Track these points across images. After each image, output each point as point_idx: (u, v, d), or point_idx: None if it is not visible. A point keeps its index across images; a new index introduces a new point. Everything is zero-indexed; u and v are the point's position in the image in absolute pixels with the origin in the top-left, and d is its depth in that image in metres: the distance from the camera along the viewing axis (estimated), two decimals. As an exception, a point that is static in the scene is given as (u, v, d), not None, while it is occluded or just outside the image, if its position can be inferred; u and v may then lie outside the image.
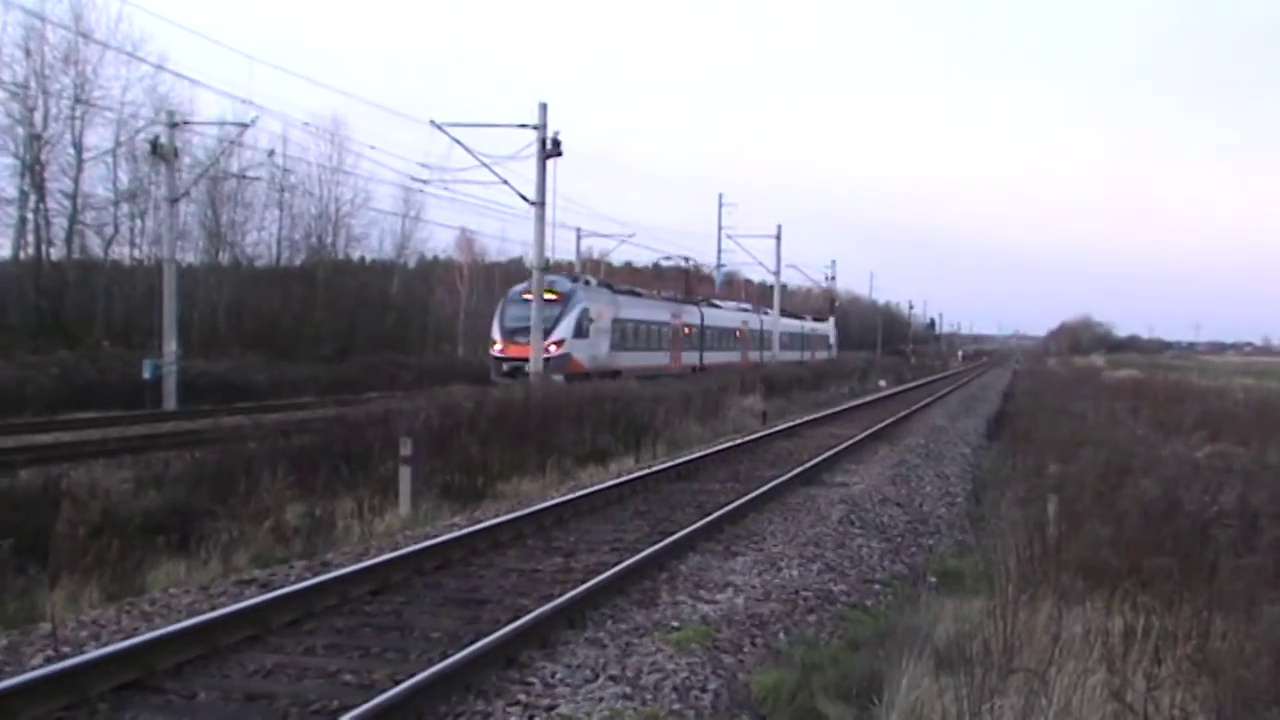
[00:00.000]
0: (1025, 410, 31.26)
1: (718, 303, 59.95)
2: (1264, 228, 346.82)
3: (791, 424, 28.75)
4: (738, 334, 58.19)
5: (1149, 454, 17.09)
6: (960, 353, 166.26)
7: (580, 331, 37.69)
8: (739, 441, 23.59)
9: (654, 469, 18.37)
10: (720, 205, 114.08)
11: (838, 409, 35.33)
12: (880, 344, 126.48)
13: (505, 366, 35.84)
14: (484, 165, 32.21)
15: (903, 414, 33.54)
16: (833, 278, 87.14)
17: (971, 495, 18.70)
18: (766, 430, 26.90)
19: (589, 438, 21.94)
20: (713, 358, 51.06)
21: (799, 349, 71.76)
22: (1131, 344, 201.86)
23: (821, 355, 78.32)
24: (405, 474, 15.03)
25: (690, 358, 48.33)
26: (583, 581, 10.14)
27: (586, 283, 40.71)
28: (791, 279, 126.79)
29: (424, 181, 34.23)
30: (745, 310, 63.53)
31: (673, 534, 12.66)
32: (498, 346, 37.28)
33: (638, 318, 43.31)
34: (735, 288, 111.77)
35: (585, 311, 38.00)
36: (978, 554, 11.71)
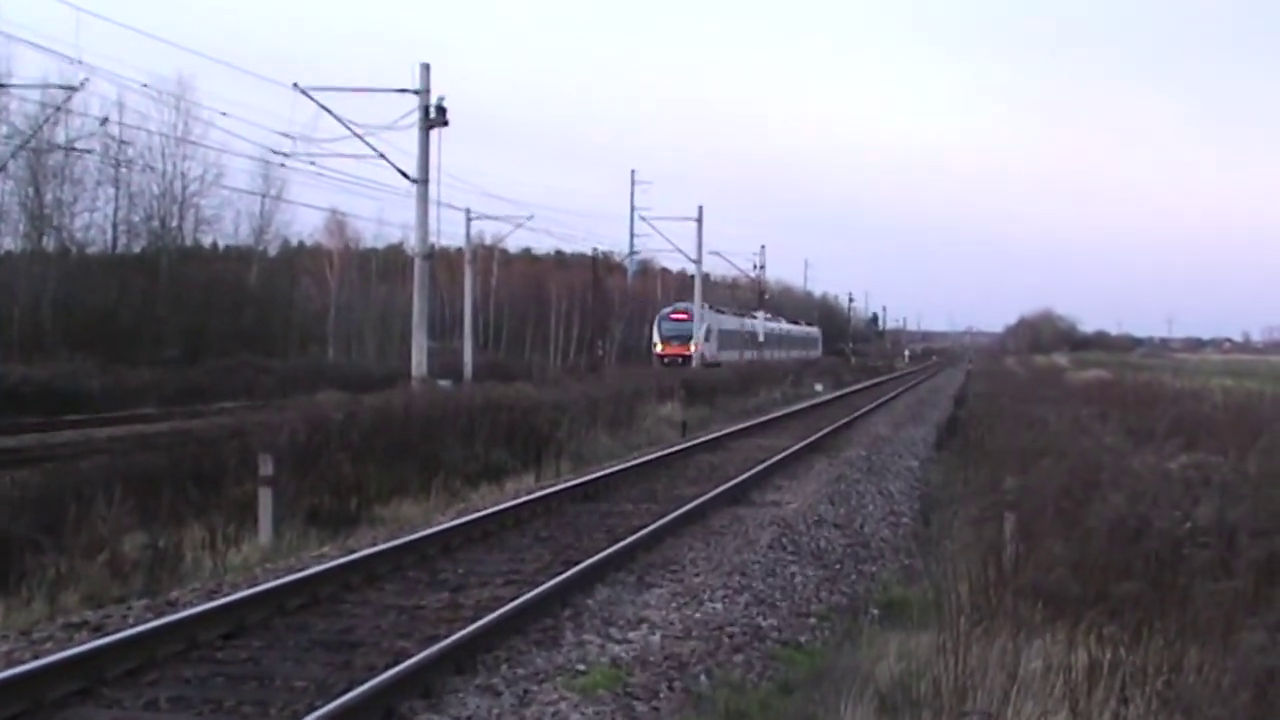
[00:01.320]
0: (979, 416, 31.64)
1: (756, 314, 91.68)
2: (1243, 213, 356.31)
3: (716, 435, 29.13)
4: (762, 337, 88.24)
5: (1117, 465, 17.21)
6: (907, 352, 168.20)
7: (706, 338, 68.84)
8: (655, 455, 23.83)
9: (557, 488, 18.54)
10: (633, 183, 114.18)
11: (768, 417, 35.81)
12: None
13: (665, 361, 65.14)
14: (357, 136, 32.04)
15: (842, 422, 34.06)
16: (761, 266, 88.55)
17: (919, 514, 19.07)
18: (687, 442, 27.21)
19: (481, 452, 21.99)
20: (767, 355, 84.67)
21: (801, 349, 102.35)
22: (1098, 341, 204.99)
23: (814, 355, 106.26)
24: (265, 496, 14.89)
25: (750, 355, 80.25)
26: (473, 620, 10.13)
27: (704, 307, 69.65)
28: (715, 267, 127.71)
29: (286, 155, 33.91)
30: (776, 320, 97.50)
31: (578, 563, 12.71)
32: (659, 348, 69.50)
33: (728, 328, 78.23)
34: (650, 279, 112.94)
35: (707, 327, 69.74)
36: (926, 581, 11.88)
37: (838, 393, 54.42)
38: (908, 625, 10.82)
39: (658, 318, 72.78)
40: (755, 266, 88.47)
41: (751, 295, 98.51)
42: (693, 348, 66.34)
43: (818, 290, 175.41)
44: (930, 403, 48.67)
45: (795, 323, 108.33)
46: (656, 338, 70.82)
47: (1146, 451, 20.75)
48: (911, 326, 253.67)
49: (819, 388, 56.40)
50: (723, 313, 79.21)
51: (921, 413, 42.03)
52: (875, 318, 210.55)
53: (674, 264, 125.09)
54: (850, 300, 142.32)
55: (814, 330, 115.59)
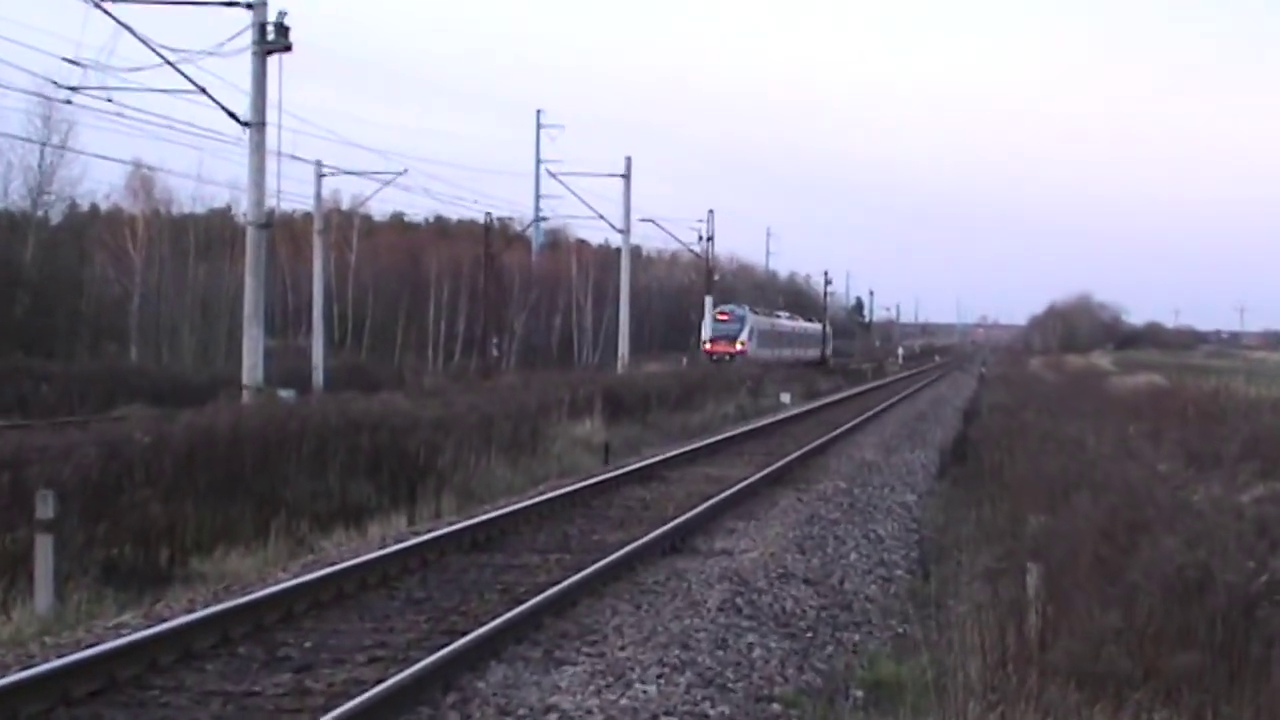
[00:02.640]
0: (995, 436, 31.42)
1: (780, 313, 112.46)
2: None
3: (649, 461, 29.05)
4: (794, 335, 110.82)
5: (1174, 500, 17.40)
6: (901, 350, 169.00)
7: (750, 337, 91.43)
8: (569, 489, 23.68)
9: (438, 533, 18.34)
10: (538, 128, 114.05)
11: (719, 438, 35.84)
12: None
13: (714, 358, 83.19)
14: (169, 64, 31.69)
15: (816, 443, 34.20)
16: (709, 238, 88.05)
17: (916, 566, 19.08)
18: (611, 471, 27.06)
19: (336, 487, 21.84)
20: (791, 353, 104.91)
21: (811, 347, 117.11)
22: (1151, 336, 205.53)
23: (814, 354, 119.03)
24: (44, 547, 14.69)
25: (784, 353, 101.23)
26: (325, 710, 10.04)
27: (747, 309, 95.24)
28: (649, 239, 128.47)
29: (74, 89, 33.48)
30: (794, 318, 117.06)
31: (466, 634, 12.62)
32: (707, 345, 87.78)
33: (764, 328, 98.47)
34: (562, 254, 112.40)
35: (752, 326, 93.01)
36: (924, 654, 11.91)
37: (810, 405, 54.74)
38: (900, 713, 10.84)
39: (707, 318, 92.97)
40: (701, 237, 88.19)
41: (697, 275, 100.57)
42: (738, 345, 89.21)
43: (784, 269, 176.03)
44: (932, 417, 48.89)
45: (809, 319, 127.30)
46: (706, 334, 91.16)
47: (1212, 482, 21.50)
48: (907, 317, 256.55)
49: (786, 399, 56.55)
50: (759, 313, 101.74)
51: (920, 431, 42.20)
52: (859, 305, 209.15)
53: (594, 234, 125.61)
54: (827, 283, 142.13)
55: (817, 327, 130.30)
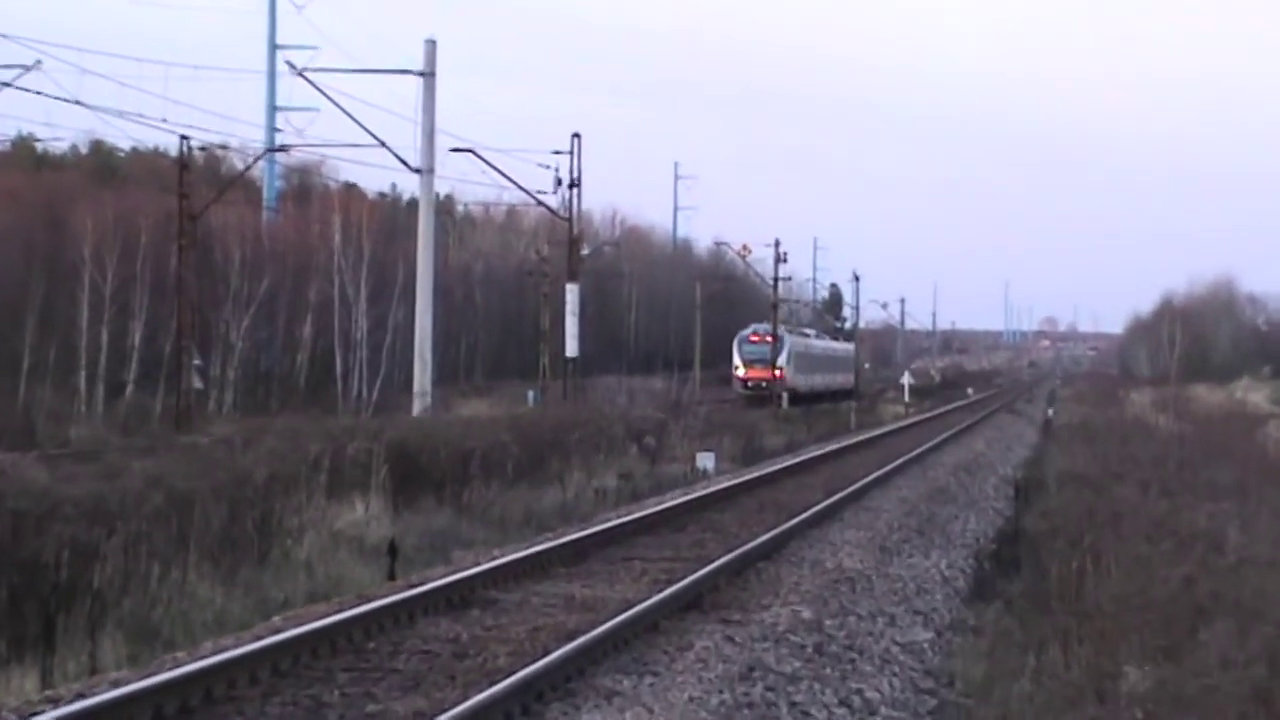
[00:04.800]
0: (1069, 528, 25.42)
1: (808, 331, 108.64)
2: None
3: (466, 572, 20.63)
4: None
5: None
6: (908, 376, 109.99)
7: (788, 361, 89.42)
8: (325, 623, 16.25)
9: (94, 701, 12.75)
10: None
11: (589, 530, 25.95)
12: (700, 349, 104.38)
13: (749, 386, 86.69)
14: None
15: (760, 540, 24.47)
16: (572, 183, 61.87)
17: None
18: (400, 592, 19.21)
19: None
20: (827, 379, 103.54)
21: (840, 371, 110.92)
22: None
23: (847, 380, 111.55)
24: None
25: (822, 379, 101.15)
26: None
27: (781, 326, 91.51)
28: (471, 184, 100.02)
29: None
30: (822, 337, 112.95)
31: None
32: (740, 371, 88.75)
33: (799, 349, 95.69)
34: (319, 207, 76.80)
35: (790, 348, 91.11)
36: None
37: (749, 473, 39.48)
38: None
39: (737, 340, 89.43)
40: (562, 183, 62.00)
41: (556, 246, 72.02)
42: (777, 373, 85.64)
43: (703, 239, 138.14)
44: (960, 494, 36.71)
45: (835, 337, 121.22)
46: (737, 359, 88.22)
47: None
48: (918, 318, 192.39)
49: (707, 464, 41.70)
50: (805, 334, 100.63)
51: (940, 519, 31.47)
52: (834, 299, 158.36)
53: (374, 177, 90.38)
54: (779, 259, 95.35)
55: (848, 348, 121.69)
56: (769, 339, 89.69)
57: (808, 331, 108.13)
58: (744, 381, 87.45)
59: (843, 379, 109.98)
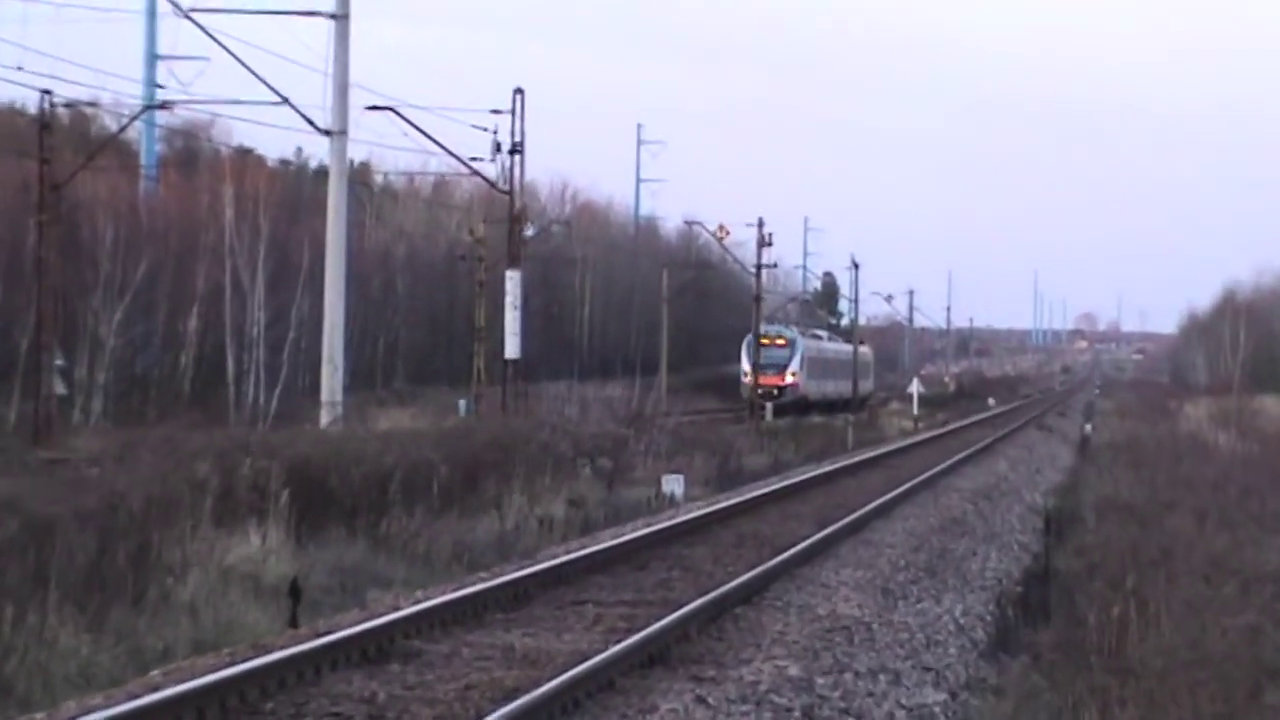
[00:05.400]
0: (1110, 566, 23.20)
1: (819, 333, 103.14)
2: None
3: (384, 619, 18.19)
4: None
5: None
6: (916, 382, 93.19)
7: (801, 366, 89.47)
8: (211, 680, 14.62)
9: None
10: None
11: (533, 568, 22.63)
12: (667, 349, 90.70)
13: (760, 392, 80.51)
14: None
15: (737, 581, 21.43)
16: (514, 149, 54.06)
17: None
18: (303, 643, 17.04)
19: None
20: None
21: (862, 378, 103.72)
22: None
23: (865, 387, 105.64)
24: None
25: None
26: None
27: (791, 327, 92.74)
28: (389, 150, 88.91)
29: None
30: (834, 339, 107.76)
31: None
32: (747, 377, 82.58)
33: (811, 354, 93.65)
34: (207, 175, 67.15)
35: (803, 352, 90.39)
36: None
37: (726, 500, 34.43)
38: None
39: (746, 342, 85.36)
40: (502, 149, 53.70)
41: (492, 215, 65.35)
42: (789, 377, 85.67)
43: (672, 218, 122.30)
44: (979, 525, 32.94)
45: (833, 337, 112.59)
46: (745, 365, 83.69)
47: None
48: (930, 314, 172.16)
49: (675, 488, 36.95)
50: (818, 337, 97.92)
51: (954, 555, 28.25)
52: (829, 290, 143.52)
53: (274, 140, 73.70)
54: (764, 242, 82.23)
55: (864, 352, 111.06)
56: (780, 342, 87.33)
57: (819, 333, 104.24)
58: (756, 388, 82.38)
59: (852, 385, 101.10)
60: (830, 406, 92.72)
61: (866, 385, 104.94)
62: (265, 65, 44.40)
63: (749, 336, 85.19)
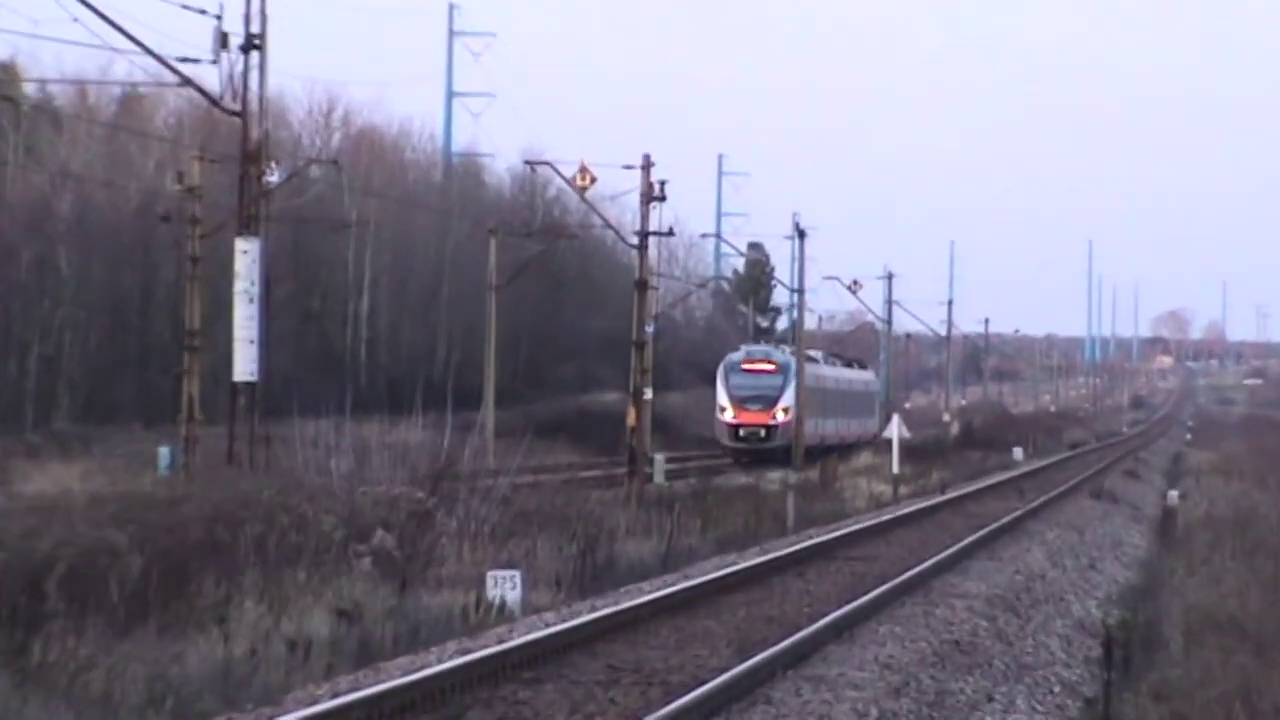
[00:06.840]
0: (1201, 712, 17.41)
1: (814, 354, 79.89)
2: None
3: None
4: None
5: None
6: (896, 421, 63.08)
7: (794, 399, 69.15)
8: None
9: None
10: None
11: None
12: (496, 365, 63.50)
13: (741, 434, 68.36)
14: None
15: None
16: (250, 43, 35.36)
17: None
18: None
19: None
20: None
21: (868, 415, 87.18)
22: None
23: (870, 425, 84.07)
24: None
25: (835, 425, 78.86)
26: None
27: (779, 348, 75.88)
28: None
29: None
30: (831, 361, 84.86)
31: None
32: (728, 415, 68.22)
33: (827, 383, 78.75)
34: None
35: (796, 381, 69.63)
36: None
37: (589, 613, 23.83)
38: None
39: (723, 367, 70.44)
40: (229, 42, 36.38)
41: (214, 149, 47.07)
42: (779, 415, 67.38)
43: (504, 156, 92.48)
44: (1010, 647, 24.11)
45: (849, 364, 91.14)
46: (724, 399, 68.87)
47: None
48: (929, 311, 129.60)
49: (508, 596, 25.50)
50: (813, 358, 76.97)
51: (956, 703, 19.52)
52: (754, 266, 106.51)
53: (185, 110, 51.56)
54: (653, 194, 51.70)
55: (869, 377, 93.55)
56: (767, 367, 70.31)
57: (814, 354, 76.18)
58: (734, 429, 68.75)
59: (857, 426, 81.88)
60: (840, 449, 70.38)
61: (867, 425, 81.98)
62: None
63: (729, 357, 71.53)
